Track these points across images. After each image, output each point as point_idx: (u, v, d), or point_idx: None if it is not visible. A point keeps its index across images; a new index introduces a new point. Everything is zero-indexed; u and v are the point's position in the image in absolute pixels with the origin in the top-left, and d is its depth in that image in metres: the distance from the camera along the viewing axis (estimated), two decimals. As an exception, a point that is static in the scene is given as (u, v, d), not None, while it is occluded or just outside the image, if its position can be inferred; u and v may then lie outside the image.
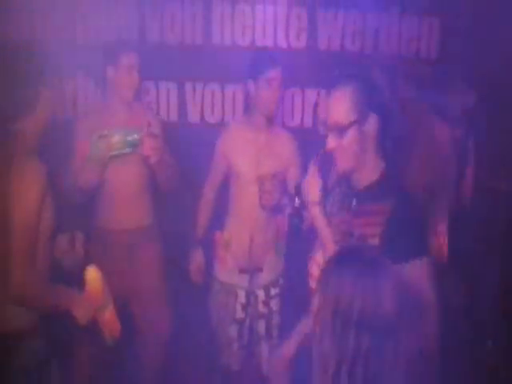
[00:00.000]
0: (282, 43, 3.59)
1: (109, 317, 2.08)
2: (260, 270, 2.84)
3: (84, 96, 3.46)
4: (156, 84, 3.54)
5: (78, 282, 2.03)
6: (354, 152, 1.76)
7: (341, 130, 1.73)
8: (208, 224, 2.98)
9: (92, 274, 2.03)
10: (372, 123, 1.74)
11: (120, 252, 2.83)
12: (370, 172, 1.81)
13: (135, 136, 2.51)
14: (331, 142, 1.76)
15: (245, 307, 2.86)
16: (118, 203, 2.80)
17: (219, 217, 2.97)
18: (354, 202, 1.81)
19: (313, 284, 1.86)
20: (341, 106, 1.72)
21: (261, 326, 2.88)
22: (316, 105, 3.63)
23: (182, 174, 2.99)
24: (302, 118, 3.66)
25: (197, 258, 2.96)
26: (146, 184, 2.85)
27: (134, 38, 3.32)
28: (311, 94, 3.64)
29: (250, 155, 2.75)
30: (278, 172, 2.68)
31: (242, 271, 2.83)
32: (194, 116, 3.60)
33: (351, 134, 1.73)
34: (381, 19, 3.61)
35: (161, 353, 2.97)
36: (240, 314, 2.86)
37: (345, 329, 1.29)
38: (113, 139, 2.46)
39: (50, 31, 3.29)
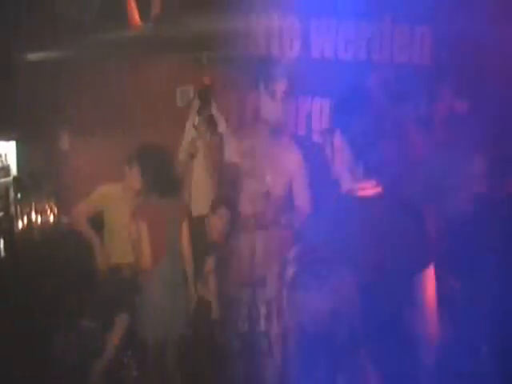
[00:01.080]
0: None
1: None
2: (263, 283, 2.79)
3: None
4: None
5: None
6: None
7: None
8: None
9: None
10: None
11: None
12: None
13: None
14: None
15: (247, 321, 2.81)
16: None
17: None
18: None
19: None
20: None
21: (264, 343, 2.82)
22: (309, 112, 3.66)
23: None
24: (296, 126, 3.68)
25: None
26: None
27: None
28: (304, 102, 3.67)
29: (254, 165, 2.72)
30: (283, 183, 2.69)
31: (244, 283, 2.78)
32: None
33: None
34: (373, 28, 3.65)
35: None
36: (242, 328, 2.81)
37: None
38: None
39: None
